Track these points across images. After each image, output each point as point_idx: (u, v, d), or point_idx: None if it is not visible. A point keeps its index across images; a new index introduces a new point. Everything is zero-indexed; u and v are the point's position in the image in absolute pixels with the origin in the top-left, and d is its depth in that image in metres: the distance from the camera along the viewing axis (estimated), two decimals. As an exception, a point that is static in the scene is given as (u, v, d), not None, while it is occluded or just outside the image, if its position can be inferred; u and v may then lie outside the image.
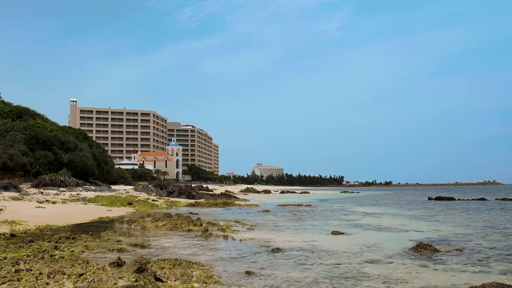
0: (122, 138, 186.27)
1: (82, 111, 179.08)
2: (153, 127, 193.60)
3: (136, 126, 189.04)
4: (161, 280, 7.30)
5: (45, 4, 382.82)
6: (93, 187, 45.16)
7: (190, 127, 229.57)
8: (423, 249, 11.23)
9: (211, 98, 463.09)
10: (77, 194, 33.70)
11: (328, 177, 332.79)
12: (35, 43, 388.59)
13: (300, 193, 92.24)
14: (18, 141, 48.00)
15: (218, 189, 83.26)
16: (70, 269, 7.80)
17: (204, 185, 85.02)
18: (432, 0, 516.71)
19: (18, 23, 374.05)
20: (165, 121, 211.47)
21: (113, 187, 52.37)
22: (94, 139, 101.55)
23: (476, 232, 15.96)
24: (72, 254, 9.41)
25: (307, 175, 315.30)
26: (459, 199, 49.28)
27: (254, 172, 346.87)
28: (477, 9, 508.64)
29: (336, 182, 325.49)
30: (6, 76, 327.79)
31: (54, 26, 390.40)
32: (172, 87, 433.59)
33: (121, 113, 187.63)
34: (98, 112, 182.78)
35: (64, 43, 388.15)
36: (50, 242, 11.18)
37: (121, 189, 47.86)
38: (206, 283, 7.44)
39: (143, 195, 39.03)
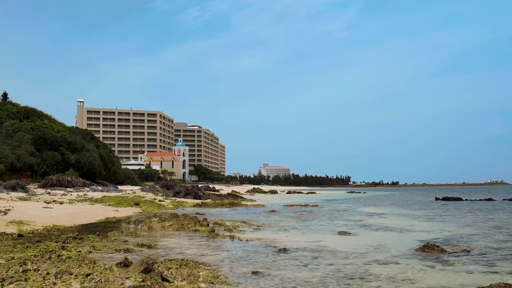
0: (129, 138, 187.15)
1: (89, 111, 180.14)
2: (160, 127, 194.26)
3: (143, 126, 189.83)
4: (167, 280, 7.31)
5: (52, 5, 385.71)
6: (100, 188, 45.36)
7: (197, 127, 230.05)
8: (430, 250, 11.16)
9: (217, 98, 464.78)
10: (84, 195, 33.87)
11: (334, 177, 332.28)
12: (42, 44, 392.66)
13: (306, 193, 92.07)
14: (25, 141, 48.37)
15: (225, 189, 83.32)
16: (77, 269, 7.83)
17: (211, 186, 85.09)
18: (436, 0, 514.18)
19: (23, 23, 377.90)
20: (172, 121, 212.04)
21: (119, 187, 52.56)
22: (101, 139, 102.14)
23: (484, 233, 15.84)
24: (79, 254, 9.44)
25: (314, 176, 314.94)
26: (466, 200, 48.92)
27: (260, 172, 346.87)
28: (481, 9, 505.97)
29: (342, 182, 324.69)
30: (13, 76, 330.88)
31: (61, 27, 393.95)
32: (179, 87, 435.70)
33: (128, 113, 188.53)
34: (105, 112, 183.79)
35: (70, 44, 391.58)
36: (57, 242, 11.25)
37: (128, 190, 48.02)
38: (212, 283, 7.44)
39: (149, 196, 39.14)
